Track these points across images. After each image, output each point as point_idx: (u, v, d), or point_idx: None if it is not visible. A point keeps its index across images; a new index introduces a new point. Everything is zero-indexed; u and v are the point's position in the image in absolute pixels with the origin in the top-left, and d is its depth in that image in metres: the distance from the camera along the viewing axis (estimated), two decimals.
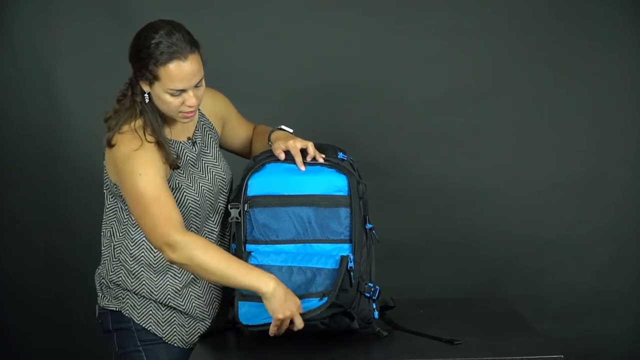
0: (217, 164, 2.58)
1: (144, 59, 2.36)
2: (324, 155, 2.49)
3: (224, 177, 2.58)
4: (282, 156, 2.48)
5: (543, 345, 2.35)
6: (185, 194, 2.46)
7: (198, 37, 2.45)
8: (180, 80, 2.37)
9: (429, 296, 3.56)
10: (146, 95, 2.41)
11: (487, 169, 3.71)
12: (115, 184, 2.46)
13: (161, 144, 2.40)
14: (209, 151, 2.58)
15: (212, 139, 2.61)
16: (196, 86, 2.40)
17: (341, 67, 3.68)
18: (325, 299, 2.34)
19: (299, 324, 2.33)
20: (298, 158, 2.47)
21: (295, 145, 2.48)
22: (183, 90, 2.38)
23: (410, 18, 3.67)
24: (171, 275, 2.50)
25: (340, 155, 2.52)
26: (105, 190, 2.52)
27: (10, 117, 3.69)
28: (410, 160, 3.71)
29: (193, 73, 2.38)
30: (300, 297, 2.36)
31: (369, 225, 2.47)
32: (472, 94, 3.70)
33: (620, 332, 3.76)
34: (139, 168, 2.36)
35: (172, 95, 2.38)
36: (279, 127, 2.60)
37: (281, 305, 2.31)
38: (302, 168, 2.47)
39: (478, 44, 3.68)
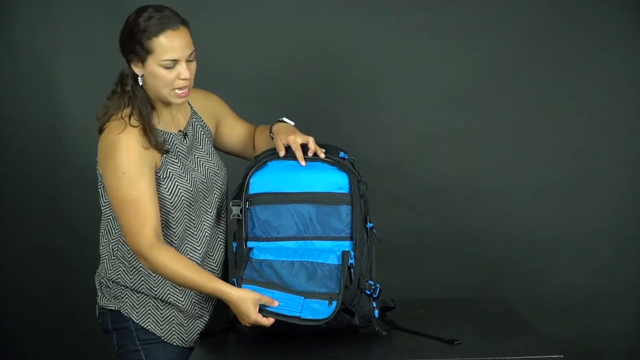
0: (210, 159, 2.60)
1: (136, 36, 2.39)
2: (324, 150, 2.50)
3: (218, 172, 2.59)
4: (282, 153, 2.50)
5: (543, 345, 2.35)
6: (177, 182, 2.47)
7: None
8: (173, 49, 2.40)
9: (429, 296, 3.56)
10: (139, 78, 2.43)
11: (487, 169, 3.71)
12: (100, 175, 2.48)
13: (146, 130, 2.42)
14: (201, 146, 2.59)
15: (204, 136, 2.62)
16: (189, 60, 2.44)
17: (341, 67, 3.68)
18: (335, 303, 2.34)
19: (265, 323, 2.38)
20: (299, 153, 2.48)
21: (296, 140, 2.49)
22: (176, 62, 2.41)
23: (410, 18, 3.67)
24: None
25: (341, 154, 2.52)
26: (100, 189, 2.52)
27: (10, 117, 3.69)
28: (410, 160, 3.71)
29: (186, 43, 2.42)
30: (306, 295, 2.36)
31: (369, 225, 2.48)
32: (472, 94, 3.70)
33: (620, 332, 3.76)
34: (123, 164, 2.39)
35: (166, 67, 2.41)
36: (280, 119, 2.62)
37: (239, 314, 2.39)
38: (303, 163, 2.48)
39: (478, 44, 3.68)
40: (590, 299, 3.74)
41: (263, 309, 2.37)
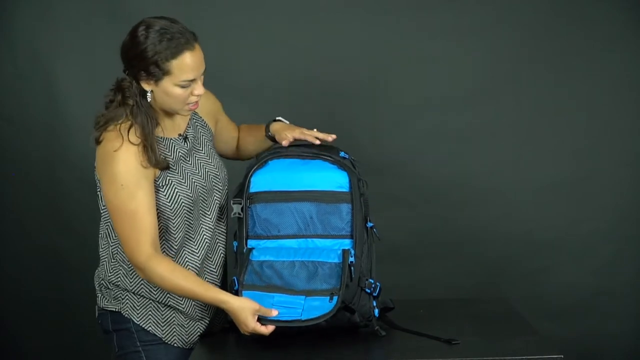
0: (210, 160, 2.58)
1: (151, 57, 2.35)
2: (334, 135, 2.54)
3: (217, 173, 2.58)
4: (287, 142, 2.53)
5: (543, 345, 2.35)
6: (176, 190, 2.45)
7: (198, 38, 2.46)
8: (191, 70, 2.38)
9: (429, 296, 3.56)
10: (148, 93, 2.40)
11: (487, 169, 3.71)
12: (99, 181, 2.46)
13: (147, 148, 2.38)
14: (201, 148, 2.58)
15: (204, 137, 2.61)
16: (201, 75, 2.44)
17: (341, 67, 3.68)
18: (335, 298, 2.34)
19: (263, 332, 2.37)
20: (309, 138, 2.52)
21: (303, 132, 2.54)
22: (192, 80, 2.39)
23: (410, 18, 3.67)
24: None
25: (342, 154, 2.53)
26: (99, 192, 2.50)
27: (10, 117, 3.69)
28: (410, 160, 3.71)
29: (201, 61, 2.41)
30: (307, 293, 2.36)
31: (369, 224, 2.48)
32: (472, 94, 3.70)
33: (620, 332, 3.76)
34: (121, 176, 2.36)
35: (182, 87, 2.39)
36: (276, 118, 2.63)
37: (238, 322, 2.40)
38: (317, 142, 2.51)
39: (478, 43, 3.68)
40: (590, 299, 3.74)
41: (263, 318, 2.37)
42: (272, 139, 2.62)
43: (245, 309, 2.36)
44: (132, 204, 2.37)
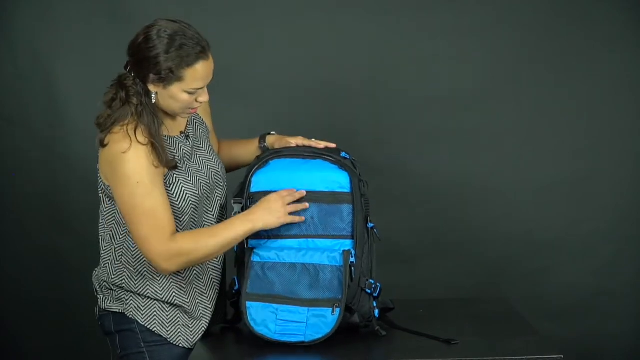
0: (211, 157, 2.58)
1: (164, 63, 2.34)
2: (334, 145, 2.55)
3: (219, 170, 2.58)
4: (294, 144, 2.55)
5: (543, 345, 2.36)
6: (183, 188, 2.45)
7: None
8: (203, 79, 2.39)
9: (429, 296, 3.56)
10: (153, 95, 2.40)
11: (487, 169, 3.71)
12: (108, 185, 2.44)
13: (155, 146, 2.38)
14: (201, 145, 2.58)
15: (203, 134, 2.61)
16: None
17: (341, 67, 3.68)
18: (338, 310, 2.35)
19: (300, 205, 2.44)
20: (313, 143, 2.54)
21: (304, 139, 2.56)
22: (200, 88, 2.40)
23: (410, 18, 3.67)
24: (175, 273, 2.49)
25: (343, 154, 2.53)
26: (100, 194, 2.49)
27: (10, 117, 3.69)
28: (410, 160, 3.71)
29: (212, 70, 2.41)
30: (310, 303, 2.37)
31: (370, 225, 2.48)
32: (472, 94, 3.70)
33: (620, 332, 3.76)
34: (135, 175, 2.35)
35: (189, 94, 2.39)
36: (270, 132, 2.65)
37: (273, 217, 2.41)
38: (321, 146, 2.54)
39: (478, 44, 3.68)
40: (590, 299, 3.74)
41: (267, 340, 2.37)
42: (266, 150, 2.64)
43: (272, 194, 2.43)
44: (150, 202, 2.35)
